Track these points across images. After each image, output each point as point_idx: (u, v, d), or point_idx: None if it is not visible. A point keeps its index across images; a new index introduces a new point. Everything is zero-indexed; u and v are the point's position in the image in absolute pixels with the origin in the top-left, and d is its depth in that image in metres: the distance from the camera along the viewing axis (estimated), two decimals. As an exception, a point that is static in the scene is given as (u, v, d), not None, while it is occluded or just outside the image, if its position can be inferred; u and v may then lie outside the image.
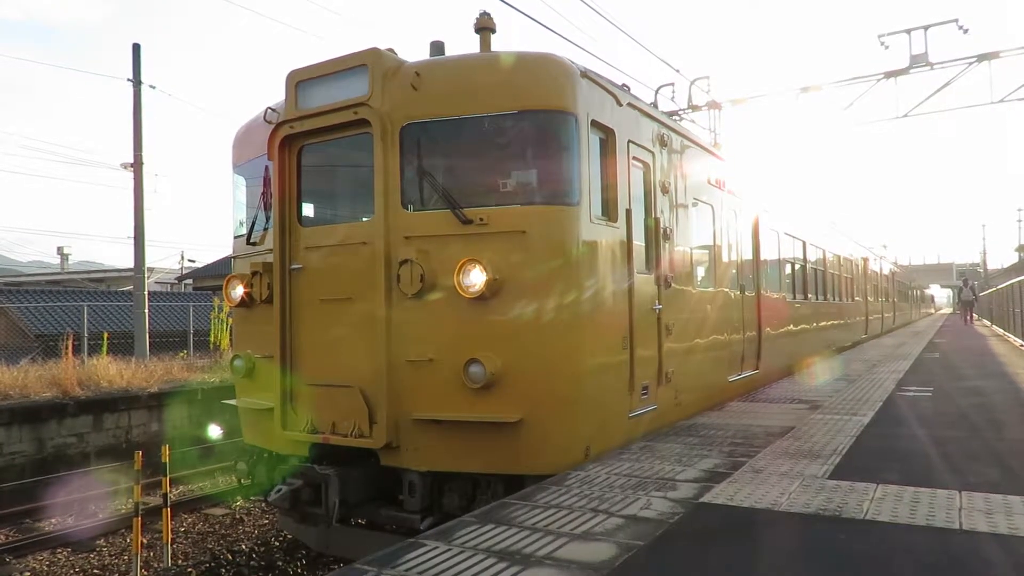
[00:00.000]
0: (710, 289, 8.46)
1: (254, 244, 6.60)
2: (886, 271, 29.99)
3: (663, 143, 7.17)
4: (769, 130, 19.76)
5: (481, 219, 5.36)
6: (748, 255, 10.18)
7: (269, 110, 6.39)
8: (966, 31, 16.85)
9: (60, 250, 61.74)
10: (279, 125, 6.03)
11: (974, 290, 35.71)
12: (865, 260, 22.65)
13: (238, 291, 6.44)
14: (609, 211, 6.01)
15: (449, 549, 3.65)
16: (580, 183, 5.56)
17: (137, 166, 18.53)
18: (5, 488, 11.08)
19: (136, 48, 18.44)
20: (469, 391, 5.25)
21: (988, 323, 35.11)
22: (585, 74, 5.74)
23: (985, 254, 75.56)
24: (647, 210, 6.78)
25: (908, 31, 17.40)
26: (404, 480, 5.53)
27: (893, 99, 18.24)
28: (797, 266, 13.54)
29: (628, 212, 6.21)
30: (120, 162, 19.76)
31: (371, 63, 5.62)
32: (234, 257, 7.12)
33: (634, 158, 6.49)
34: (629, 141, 6.37)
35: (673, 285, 7.07)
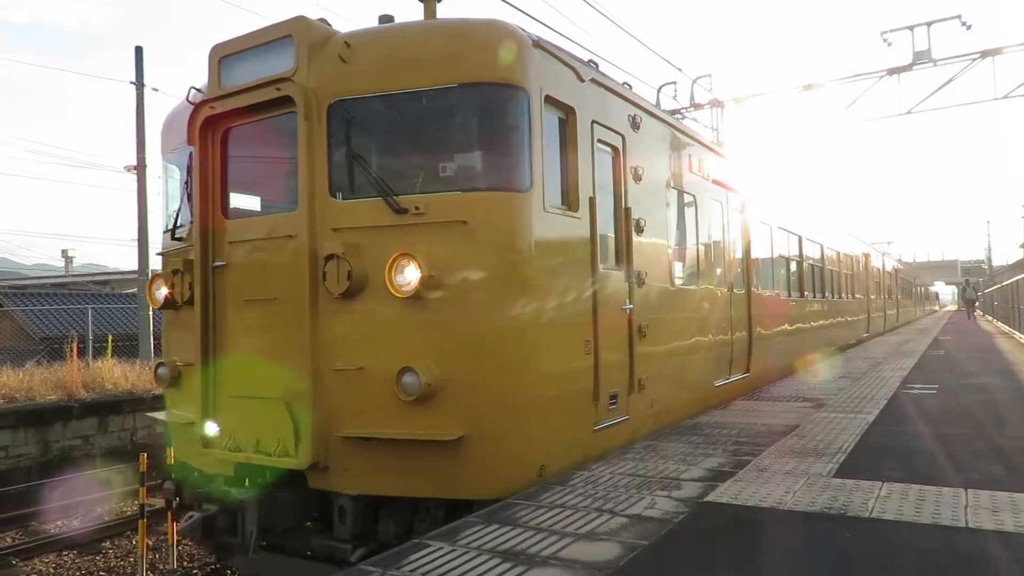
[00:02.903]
0: (692, 287, 7.83)
1: (180, 239, 5.93)
2: (888, 268, 29.31)
3: (635, 126, 6.44)
4: (772, 128, 19.73)
5: (417, 208, 4.73)
6: (737, 250, 9.51)
7: (193, 90, 5.68)
8: (969, 27, 16.82)
9: (64, 253, 61.98)
10: (199, 106, 5.37)
11: (976, 289, 41.13)
12: (866, 256, 22.07)
13: (162, 292, 5.84)
14: (569, 200, 5.41)
15: (453, 549, 3.65)
16: (532, 167, 4.94)
17: (140, 168, 18.57)
18: (11, 490, 11.11)
19: (139, 51, 18.48)
20: (404, 404, 4.61)
21: (992, 319, 35.04)
22: (538, 44, 5.13)
23: (990, 250, 75.41)
24: (616, 199, 6.10)
25: (911, 28, 17.36)
26: (334, 505, 4.90)
27: (896, 96, 18.21)
28: (792, 262, 12.95)
29: (592, 201, 5.58)
30: (123, 165, 19.84)
31: (297, 34, 4.98)
32: (160, 254, 6.49)
33: (600, 141, 5.86)
34: (594, 122, 5.75)
35: (647, 282, 6.46)
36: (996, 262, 76.48)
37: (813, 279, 14.40)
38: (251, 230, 5.33)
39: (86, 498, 11.05)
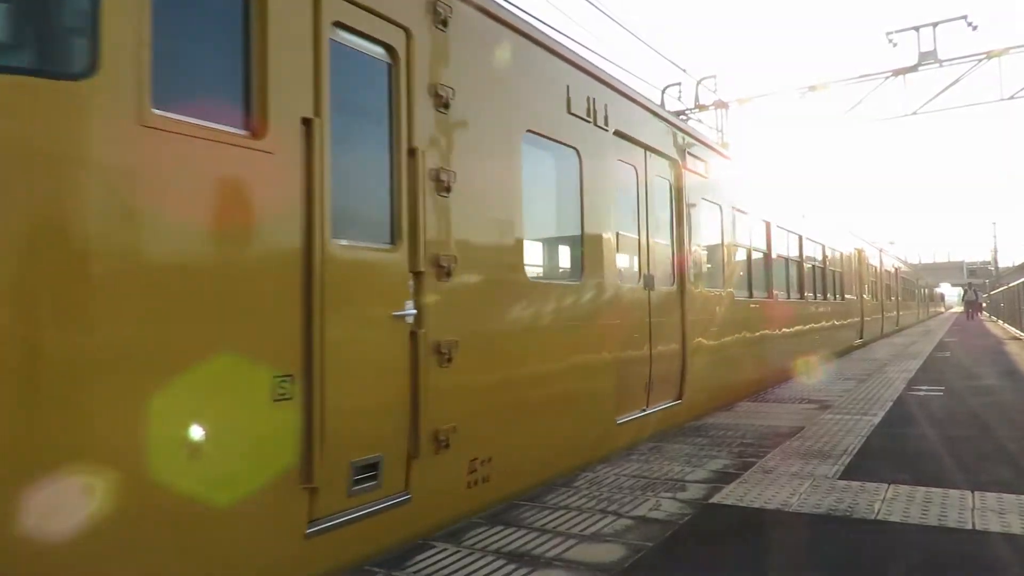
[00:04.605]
0: (569, 282, 5.60)
1: None
2: (888, 266, 27.45)
3: (439, 18, 4.22)
4: (776, 129, 19.69)
5: None
6: (662, 234, 7.23)
7: None
8: (975, 28, 16.76)
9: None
10: None
11: (977, 292, 44.00)
12: (860, 252, 19.95)
13: None
14: (241, 115, 3.13)
15: (458, 551, 3.65)
16: (105, 32, 2.62)
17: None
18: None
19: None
20: None
21: (997, 320, 34.94)
22: None
23: (996, 252, 75.20)
24: (393, 132, 3.89)
25: (917, 28, 17.30)
26: None
27: (901, 97, 18.16)
28: (757, 255, 10.42)
29: (313, 125, 3.35)
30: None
31: None
32: None
33: (340, 26, 3.60)
34: None
35: (462, 274, 4.23)
36: (1002, 263, 76.25)
37: (788, 276, 12.19)
38: None
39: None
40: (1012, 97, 17.13)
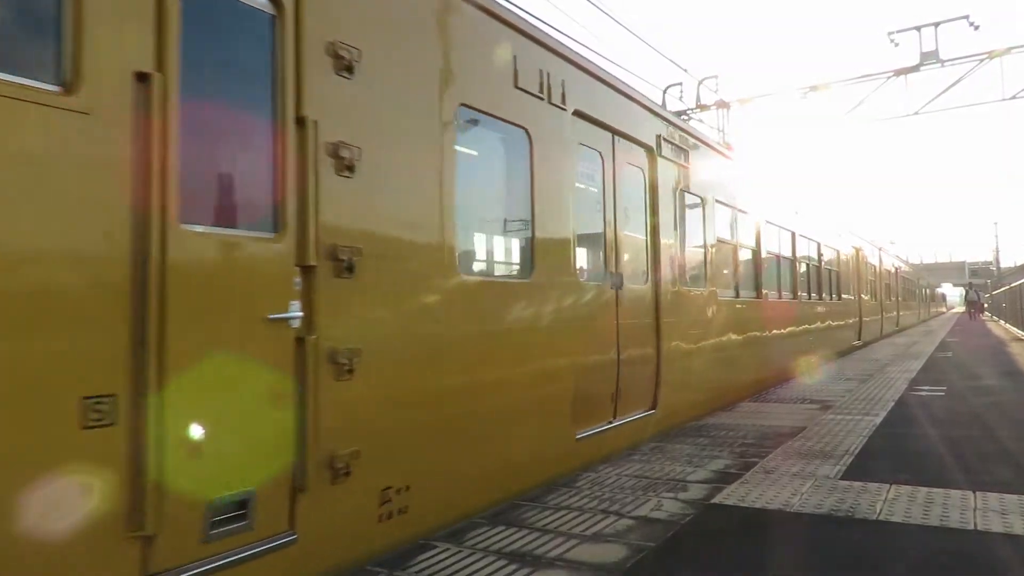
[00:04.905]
0: (516, 280, 5.06)
1: None
2: (888, 266, 26.84)
3: None
4: (778, 129, 19.68)
5: None
6: (636, 229, 6.65)
7: None
8: (977, 28, 16.77)
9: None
10: None
11: (979, 293, 46.41)
12: (858, 251, 19.34)
13: None
14: (49, 64, 2.49)
15: (460, 551, 3.65)
16: None
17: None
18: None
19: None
20: None
21: (999, 320, 34.92)
22: None
23: (998, 252, 75.09)
24: (276, 97, 3.25)
25: (918, 28, 17.31)
26: None
27: (903, 97, 18.15)
28: (745, 252, 9.76)
29: (148, 80, 2.70)
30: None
31: None
32: None
33: None
34: None
35: (366, 271, 3.55)
36: (1004, 263, 76.14)
37: (779, 275, 11.49)
38: None
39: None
40: (1014, 97, 17.13)
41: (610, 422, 5.85)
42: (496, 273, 5.24)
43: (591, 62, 5.98)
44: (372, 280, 3.59)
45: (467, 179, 4.48)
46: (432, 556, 3.59)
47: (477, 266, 5.00)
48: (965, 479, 4.82)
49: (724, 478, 5.00)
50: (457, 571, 3.38)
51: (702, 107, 19.60)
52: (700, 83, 19.32)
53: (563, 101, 5.41)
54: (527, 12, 5.83)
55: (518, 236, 5.22)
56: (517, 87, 4.90)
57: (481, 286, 4.57)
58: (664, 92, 18.18)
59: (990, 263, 79.80)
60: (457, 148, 4.32)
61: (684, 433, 6.79)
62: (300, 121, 3.29)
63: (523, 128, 4.96)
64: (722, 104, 19.48)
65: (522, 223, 5.10)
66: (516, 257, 5.33)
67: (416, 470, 3.83)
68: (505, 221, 5.30)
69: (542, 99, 5.16)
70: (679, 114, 17.55)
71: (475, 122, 4.64)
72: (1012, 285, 29.37)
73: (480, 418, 4.36)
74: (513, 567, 3.41)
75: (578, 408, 5.31)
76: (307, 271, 3.26)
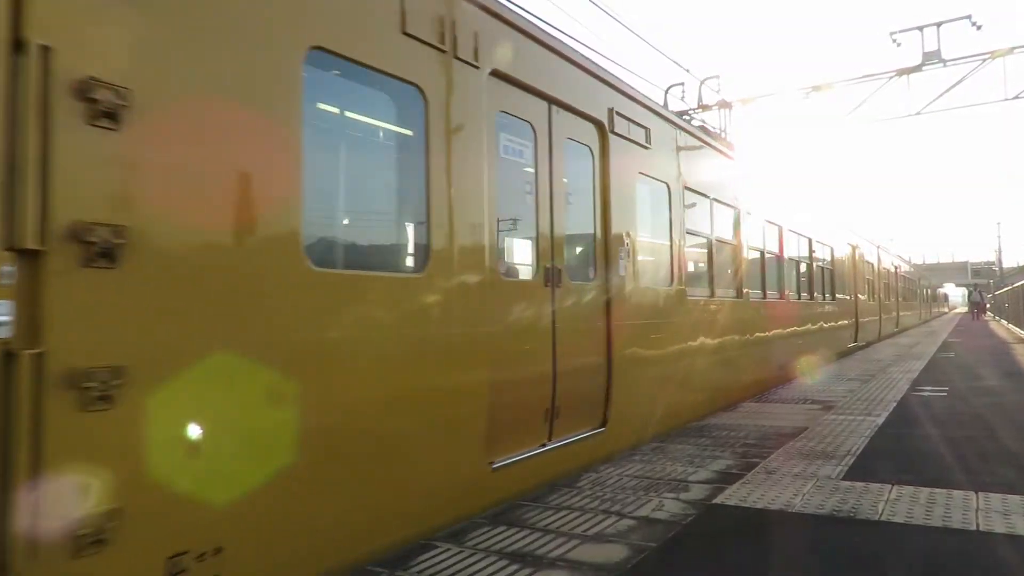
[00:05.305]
0: (401, 274, 4.08)
1: None
2: (887, 264, 25.89)
3: None
4: (780, 129, 19.66)
5: None
6: (581, 216, 5.76)
7: None
8: (979, 28, 16.76)
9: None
10: None
11: (982, 294, 47.05)
12: (855, 248, 18.46)
13: None
14: None
15: (461, 551, 3.65)
16: None
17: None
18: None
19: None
20: None
21: (1001, 320, 34.88)
22: None
23: (1000, 252, 75.00)
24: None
25: (921, 28, 17.29)
26: None
27: (905, 97, 18.13)
28: (721, 246, 8.77)
29: None
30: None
31: None
32: None
33: None
34: None
35: (139, 260, 2.62)
36: (1007, 263, 76.06)
37: (763, 273, 10.48)
38: None
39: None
40: (1016, 97, 17.11)
41: (543, 445, 4.97)
42: (369, 266, 3.97)
43: (520, 16, 5.01)
44: (154, 272, 2.66)
45: (327, 145, 3.71)
46: (433, 556, 3.59)
47: (342, 257, 3.90)
48: (967, 480, 4.81)
49: (726, 478, 5.00)
50: (458, 571, 3.38)
51: (704, 107, 19.58)
52: (702, 83, 19.29)
53: (475, 57, 4.46)
54: (526, 11, 5.34)
55: (407, 220, 4.29)
56: (405, 33, 3.92)
57: (340, 280, 3.53)
58: (666, 92, 18.15)
59: (992, 263, 79.71)
60: (309, 103, 3.42)
61: (685, 433, 6.79)
62: (19, 45, 2.33)
63: (414, 85, 4.00)
64: (724, 104, 19.46)
65: (412, 204, 4.15)
66: (405, 247, 4.34)
67: (232, 526, 2.89)
68: (385, 201, 4.32)
69: (443, 51, 4.20)
70: (681, 114, 17.53)
71: (336, 70, 3.70)
72: (1015, 286, 29.32)
73: (337, 451, 3.39)
74: (514, 567, 3.40)
75: (496, 431, 4.41)
76: (26, 257, 2.33)
